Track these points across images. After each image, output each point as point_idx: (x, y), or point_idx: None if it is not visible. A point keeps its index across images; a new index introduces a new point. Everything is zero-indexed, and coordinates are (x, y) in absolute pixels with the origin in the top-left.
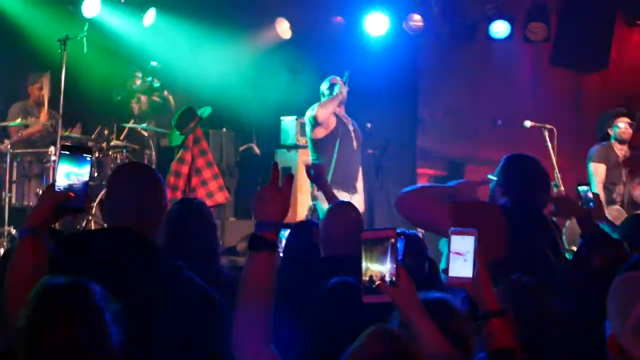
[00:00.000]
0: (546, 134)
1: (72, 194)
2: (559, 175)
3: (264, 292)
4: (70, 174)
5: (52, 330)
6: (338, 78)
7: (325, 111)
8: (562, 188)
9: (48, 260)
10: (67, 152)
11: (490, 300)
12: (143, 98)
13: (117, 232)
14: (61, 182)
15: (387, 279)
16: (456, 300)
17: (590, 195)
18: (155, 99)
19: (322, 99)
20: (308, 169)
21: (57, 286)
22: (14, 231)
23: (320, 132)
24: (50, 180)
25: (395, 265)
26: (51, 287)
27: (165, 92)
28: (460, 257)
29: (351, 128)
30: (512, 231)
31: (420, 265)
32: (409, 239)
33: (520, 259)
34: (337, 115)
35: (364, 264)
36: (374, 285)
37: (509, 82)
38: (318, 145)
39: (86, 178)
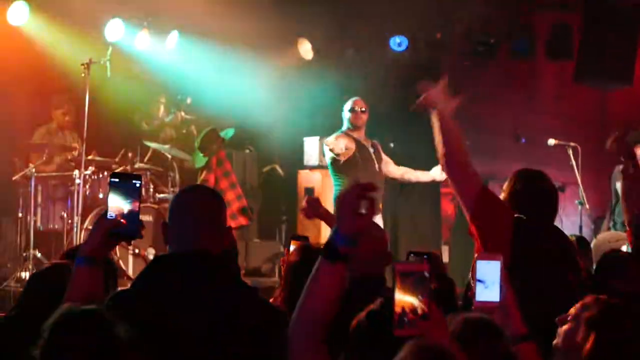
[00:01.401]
0: (570, 151)
1: (124, 221)
2: (583, 193)
3: (329, 302)
4: (121, 201)
5: (65, 356)
6: (361, 101)
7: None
8: (587, 206)
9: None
10: (117, 180)
11: (518, 325)
12: (170, 130)
13: (199, 256)
14: (112, 209)
15: (419, 312)
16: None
17: None
18: (183, 130)
19: (344, 120)
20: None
21: (72, 316)
22: (39, 254)
23: (341, 157)
24: (75, 203)
25: (427, 299)
26: (66, 317)
27: (192, 126)
28: (486, 282)
29: (371, 150)
30: (517, 241)
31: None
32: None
33: (525, 270)
34: (355, 140)
35: (396, 296)
36: (405, 319)
37: (532, 100)
38: (338, 169)
39: (137, 204)
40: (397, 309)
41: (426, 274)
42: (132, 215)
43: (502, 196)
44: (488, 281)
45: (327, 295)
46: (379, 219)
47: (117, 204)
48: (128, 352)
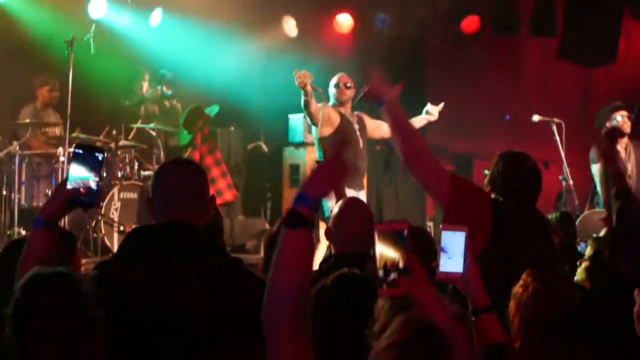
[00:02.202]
0: (554, 128)
1: (83, 190)
2: (567, 169)
3: (298, 273)
4: (82, 172)
5: (35, 318)
6: (345, 77)
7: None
8: (571, 182)
9: (124, 258)
10: (80, 151)
11: (480, 296)
12: (152, 106)
13: (180, 227)
14: (73, 178)
15: (400, 265)
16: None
17: None
18: (166, 103)
19: (330, 96)
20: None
21: (41, 277)
22: (23, 232)
23: (327, 130)
24: (60, 181)
25: (408, 254)
26: (35, 277)
27: (175, 101)
28: (450, 253)
29: (356, 127)
30: (496, 223)
31: (428, 261)
32: (416, 235)
33: (504, 251)
34: (341, 114)
35: (377, 254)
36: (389, 279)
37: (516, 77)
38: (323, 142)
39: (97, 176)
40: (379, 267)
41: (406, 233)
42: (92, 186)
43: (486, 178)
44: (452, 252)
45: (293, 266)
46: (362, 195)
47: (78, 174)
48: (95, 310)
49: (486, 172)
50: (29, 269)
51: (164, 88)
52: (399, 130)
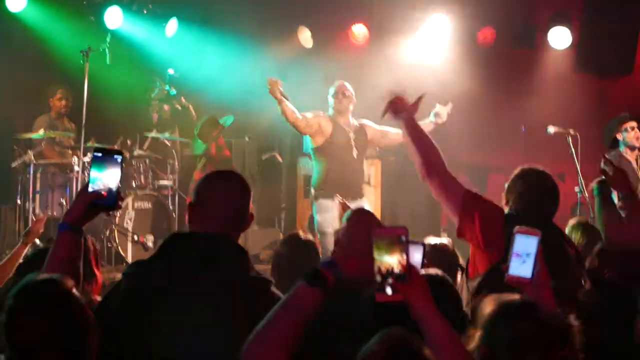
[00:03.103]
0: (570, 139)
1: (105, 193)
2: (582, 181)
3: (297, 324)
4: (102, 175)
5: (26, 323)
6: (344, 85)
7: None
8: (586, 194)
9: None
10: (99, 154)
11: (549, 303)
12: (165, 107)
13: (216, 237)
14: (94, 182)
15: (397, 271)
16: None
17: None
18: (177, 106)
19: (329, 105)
20: None
21: (33, 284)
22: (37, 241)
23: (319, 140)
24: (74, 190)
25: (405, 260)
26: (27, 284)
27: (183, 99)
28: (522, 257)
29: (352, 136)
30: (508, 239)
31: (452, 276)
32: (436, 250)
33: None
34: (335, 123)
35: (375, 261)
36: (386, 284)
37: (532, 89)
38: (316, 152)
39: (117, 178)
40: (377, 274)
41: (404, 238)
42: (112, 188)
43: (504, 192)
44: (524, 256)
45: (298, 318)
46: (364, 202)
47: (99, 177)
48: (86, 317)
49: (506, 185)
50: (53, 271)
51: (171, 88)
52: (417, 145)
